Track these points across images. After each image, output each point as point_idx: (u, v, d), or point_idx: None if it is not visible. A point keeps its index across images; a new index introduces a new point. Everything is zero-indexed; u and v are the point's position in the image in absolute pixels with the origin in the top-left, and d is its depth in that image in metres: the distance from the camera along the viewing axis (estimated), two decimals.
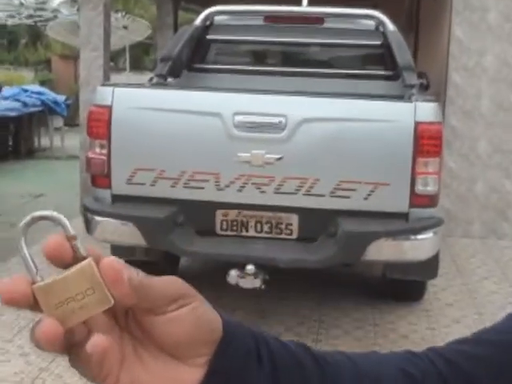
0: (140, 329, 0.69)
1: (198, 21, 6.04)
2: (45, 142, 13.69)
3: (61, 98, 13.62)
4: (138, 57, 24.37)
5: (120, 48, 17.64)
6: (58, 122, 13.86)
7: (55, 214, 0.65)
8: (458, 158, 7.49)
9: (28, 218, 0.65)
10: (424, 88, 6.00)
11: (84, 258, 0.64)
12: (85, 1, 7.76)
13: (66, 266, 0.64)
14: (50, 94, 13.36)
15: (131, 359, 0.69)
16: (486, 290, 6.03)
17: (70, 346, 0.65)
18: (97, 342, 0.64)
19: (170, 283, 0.68)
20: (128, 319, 0.70)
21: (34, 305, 0.64)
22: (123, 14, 17.32)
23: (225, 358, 0.70)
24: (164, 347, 0.69)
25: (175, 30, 11.85)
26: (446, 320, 5.39)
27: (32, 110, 12.78)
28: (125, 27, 16.26)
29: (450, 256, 6.59)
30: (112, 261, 0.64)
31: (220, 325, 0.71)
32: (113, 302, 0.64)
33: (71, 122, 15.01)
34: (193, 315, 0.68)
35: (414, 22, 10.93)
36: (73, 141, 13.13)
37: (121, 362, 0.68)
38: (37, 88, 13.71)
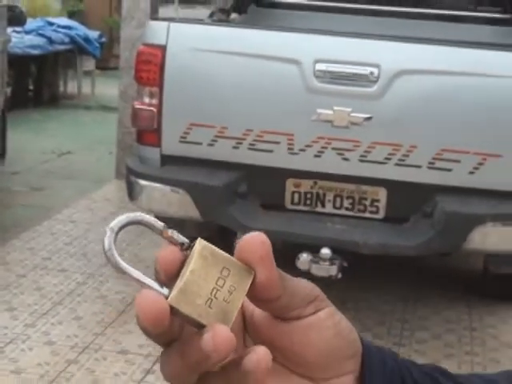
0: (270, 347, 0.67)
1: None
2: (72, 87, 13.81)
3: (93, 34, 13.66)
4: None
5: None
6: (89, 63, 13.93)
7: (138, 215, 0.67)
8: None
9: (113, 224, 0.66)
10: None
11: (186, 244, 0.66)
12: None
13: (178, 268, 0.66)
14: (80, 29, 13.35)
15: None
16: None
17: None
18: (262, 357, 0.63)
19: (304, 282, 0.69)
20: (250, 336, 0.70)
21: (170, 325, 0.63)
22: None
23: (376, 377, 0.72)
24: (300, 365, 0.70)
25: None
26: None
27: (58, 47, 12.80)
28: None
29: None
30: (257, 236, 0.65)
31: (357, 335, 0.72)
32: (253, 271, 0.65)
33: (104, 65, 15.11)
34: (331, 321, 0.69)
35: None
36: (105, 87, 13.27)
37: None
38: (65, 21, 13.69)
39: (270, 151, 4.63)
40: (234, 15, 5.75)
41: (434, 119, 4.51)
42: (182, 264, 0.66)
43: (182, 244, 0.66)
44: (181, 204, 4.67)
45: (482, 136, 4.48)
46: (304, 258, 4.55)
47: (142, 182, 4.77)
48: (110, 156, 8.63)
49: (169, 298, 0.64)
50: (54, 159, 9.28)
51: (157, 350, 4.58)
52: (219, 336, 0.62)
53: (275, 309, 0.67)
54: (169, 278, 0.65)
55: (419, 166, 4.54)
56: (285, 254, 4.93)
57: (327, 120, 4.55)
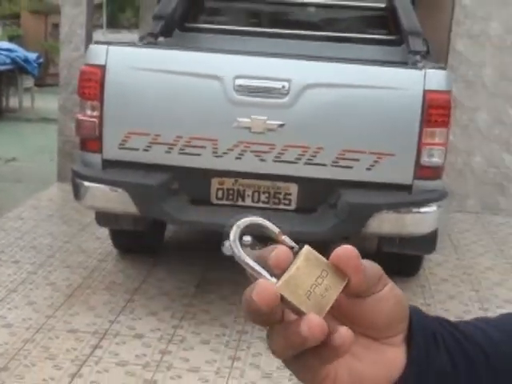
0: (343, 316, 0.76)
1: None
2: (13, 102, 13.55)
3: (32, 55, 13.42)
4: (114, 14, 24.05)
5: (96, 4, 17.40)
6: (29, 81, 13.68)
7: (260, 220, 0.76)
8: (456, 130, 7.56)
9: (240, 222, 0.76)
10: (425, 54, 6.05)
11: (296, 248, 0.73)
12: None
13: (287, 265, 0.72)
14: (20, 52, 13.12)
15: None
16: (482, 266, 6.16)
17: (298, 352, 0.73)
18: (347, 334, 0.70)
19: (372, 264, 0.75)
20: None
21: (276, 308, 0.71)
22: None
23: (419, 335, 0.79)
24: (369, 330, 0.77)
25: None
26: (441, 296, 5.50)
27: (1, 68, 12.61)
28: None
29: (444, 231, 6.68)
30: (351, 249, 0.73)
31: (407, 302, 0.79)
32: (347, 278, 0.71)
33: (41, 82, 14.88)
34: (393, 293, 0.76)
35: None
36: (43, 102, 13.07)
37: None
38: (6, 45, 13.43)
39: (198, 154, 4.60)
40: (160, 38, 5.71)
41: (337, 124, 4.54)
42: (290, 262, 0.71)
43: (292, 247, 0.72)
44: (121, 201, 4.62)
45: (377, 138, 4.52)
46: (228, 244, 4.54)
47: (86, 184, 4.70)
48: (51, 162, 8.48)
49: (276, 286, 0.70)
50: (0, 165, 9.09)
51: (102, 327, 4.55)
52: (314, 323, 0.68)
53: (356, 293, 0.75)
54: (279, 272, 0.71)
55: (325, 165, 4.56)
56: (212, 241, 4.95)
57: (246, 127, 4.54)
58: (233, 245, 0.72)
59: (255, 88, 4.53)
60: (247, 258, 0.72)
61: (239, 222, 0.74)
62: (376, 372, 0.77)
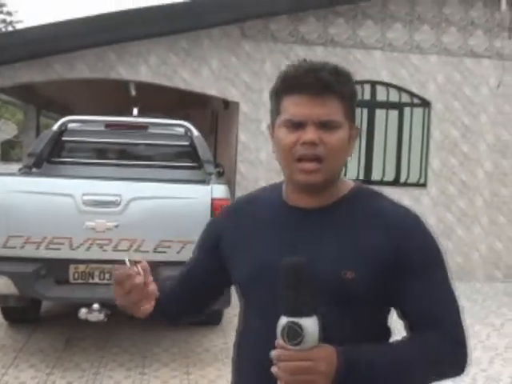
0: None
1: (56, 126, 6.05)
2: None
3: None
4: (7, 150, 23.44)
5: None
6: None
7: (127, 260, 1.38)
8: None
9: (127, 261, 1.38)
10: (221, 174, 6.35)
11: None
12: None
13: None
14: None
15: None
16: None
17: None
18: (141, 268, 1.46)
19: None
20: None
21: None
22: None
23: None
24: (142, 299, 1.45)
25: (37, 131, 11.79)
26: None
27: None
28: None
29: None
30: (145, 265, 1.41)
31: None
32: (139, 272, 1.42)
33: None
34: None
35: (214, 128, 11.48)
36: None
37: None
38: None
39: (59, 249, 4.59)
40: (34, 169, 5.70)
41: (155, 224, 4.63)
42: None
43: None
44: (5, 285, 4.52)
45: (183, 231, 4.61)
46: (82, 311, 4.51)
47: None
48: None
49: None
50: None
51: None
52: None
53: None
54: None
55: (148, 251, 4.62)
56: (74, 310, 4.92)
57: (92, 228, 4.59)
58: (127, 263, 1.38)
59: (97, 201, 4.60)
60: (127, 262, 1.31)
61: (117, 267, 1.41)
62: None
